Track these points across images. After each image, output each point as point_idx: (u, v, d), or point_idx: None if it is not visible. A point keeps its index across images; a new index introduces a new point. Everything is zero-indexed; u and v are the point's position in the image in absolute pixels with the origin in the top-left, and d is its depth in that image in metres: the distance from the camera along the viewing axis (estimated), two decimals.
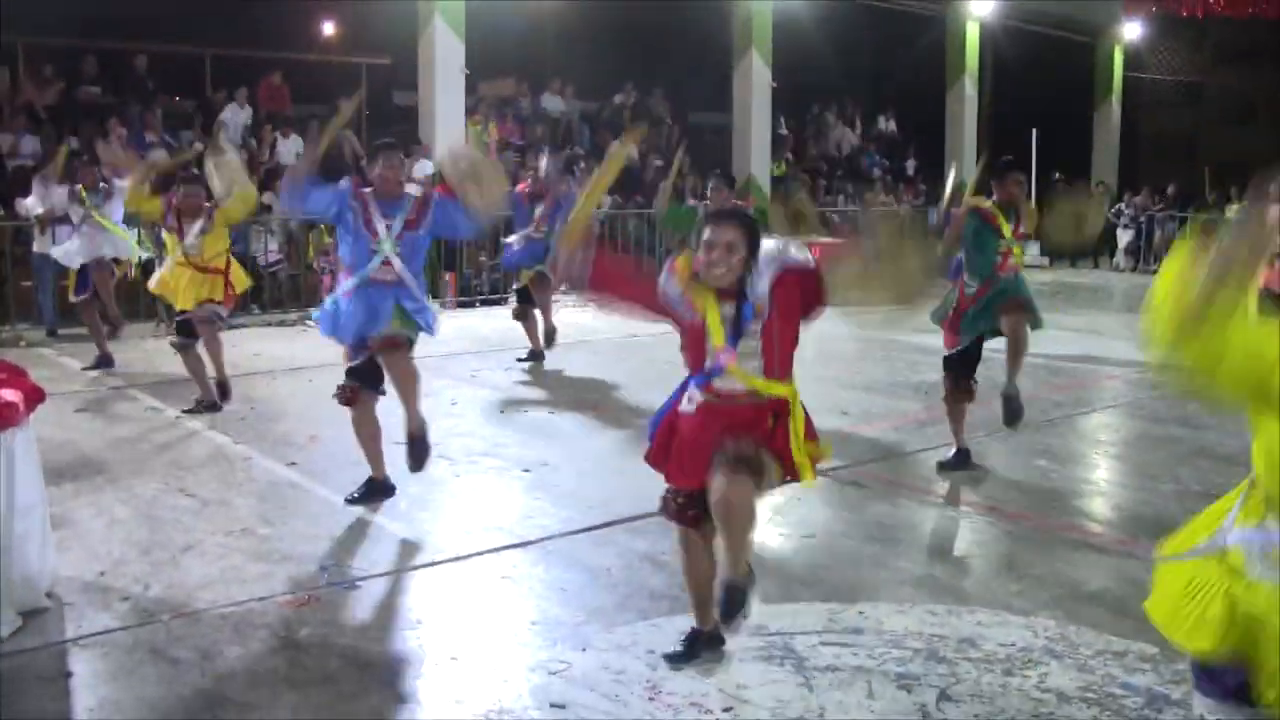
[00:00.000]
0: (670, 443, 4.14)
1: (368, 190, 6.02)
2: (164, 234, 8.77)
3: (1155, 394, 9.74)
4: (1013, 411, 7.34)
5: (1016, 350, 7.22)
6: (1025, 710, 4.07)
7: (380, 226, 5.94)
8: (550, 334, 10.83)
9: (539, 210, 10.39)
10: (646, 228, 17.10)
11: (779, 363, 4.04)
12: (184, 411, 8.46)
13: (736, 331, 3.99)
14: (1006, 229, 7.04)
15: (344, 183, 6.13)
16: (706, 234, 4.01)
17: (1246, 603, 2.64)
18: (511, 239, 10.73)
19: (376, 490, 6.32)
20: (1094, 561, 5.66)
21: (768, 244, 4.07)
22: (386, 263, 5.94)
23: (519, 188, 10.95)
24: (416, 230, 6.05)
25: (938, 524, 6.35)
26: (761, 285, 3.99)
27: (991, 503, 6.60)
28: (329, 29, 25.61)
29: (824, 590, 5.14)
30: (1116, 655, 4.48)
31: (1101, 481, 7.29)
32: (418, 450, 6.25)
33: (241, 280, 8.78)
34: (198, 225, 8.35)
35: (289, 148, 16.68)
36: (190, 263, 8.35)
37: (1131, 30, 24.73)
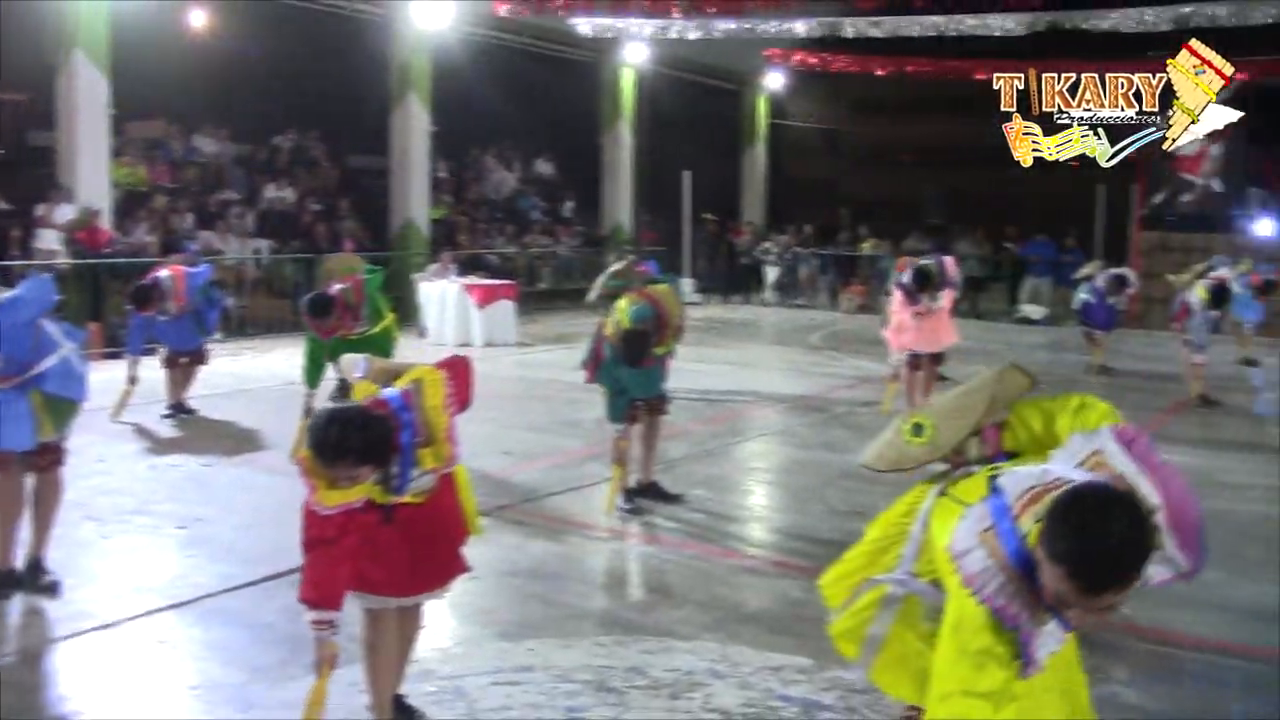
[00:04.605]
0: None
1: None
2: None
3: (803, 421, 10.28)
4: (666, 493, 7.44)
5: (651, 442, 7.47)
6: None
7: None
8: (181, 405, 10.27)
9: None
10: (304, 273, 16.67)
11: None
12: None
13: (403, 476, 3.66)
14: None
15: None
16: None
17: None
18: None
19: None
20: (752, 584, 5.90)
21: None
22: None
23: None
24: None
25: (601, 558, 6.46)
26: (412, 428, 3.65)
27: (652, 533, 6.77)
28: None
29: (493, 630, 5.14)
30: (774, 670, 4.69)
31: (757, 507, 7.61)
32: (37, 579, 5.57)
33: None
34: None
35: None
36: None
37: (774, 80, 26.14)
